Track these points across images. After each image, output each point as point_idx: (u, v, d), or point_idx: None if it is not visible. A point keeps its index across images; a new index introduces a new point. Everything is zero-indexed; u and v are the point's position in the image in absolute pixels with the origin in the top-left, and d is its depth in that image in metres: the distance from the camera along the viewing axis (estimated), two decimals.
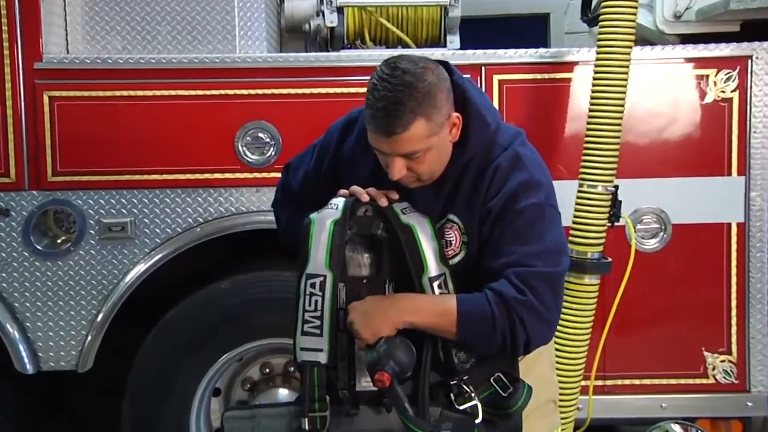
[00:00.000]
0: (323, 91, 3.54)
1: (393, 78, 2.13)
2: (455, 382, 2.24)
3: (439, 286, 2.24)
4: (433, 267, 2.24)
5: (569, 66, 3.60)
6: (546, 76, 3.59)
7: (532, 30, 5.19)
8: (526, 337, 2.15)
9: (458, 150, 2.29)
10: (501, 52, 3.59)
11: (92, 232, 3.55)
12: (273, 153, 3.54)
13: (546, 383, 2.57)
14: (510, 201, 2.22)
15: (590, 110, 3.36)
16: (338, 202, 2.28)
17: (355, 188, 2.28)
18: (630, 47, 3.32)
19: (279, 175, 2.76)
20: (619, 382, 3.68)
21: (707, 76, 3.60)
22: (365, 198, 2.25)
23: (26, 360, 3.55)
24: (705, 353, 3.67)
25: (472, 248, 2.29)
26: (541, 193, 2.25)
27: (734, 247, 3.63)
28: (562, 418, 3.33)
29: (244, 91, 3.53)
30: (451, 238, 2.30)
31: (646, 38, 3.91)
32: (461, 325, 2.15)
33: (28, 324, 3.56)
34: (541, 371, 2.54)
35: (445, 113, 2.19)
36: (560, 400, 3.32)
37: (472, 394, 2.23)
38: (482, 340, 2.16)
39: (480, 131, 2.29)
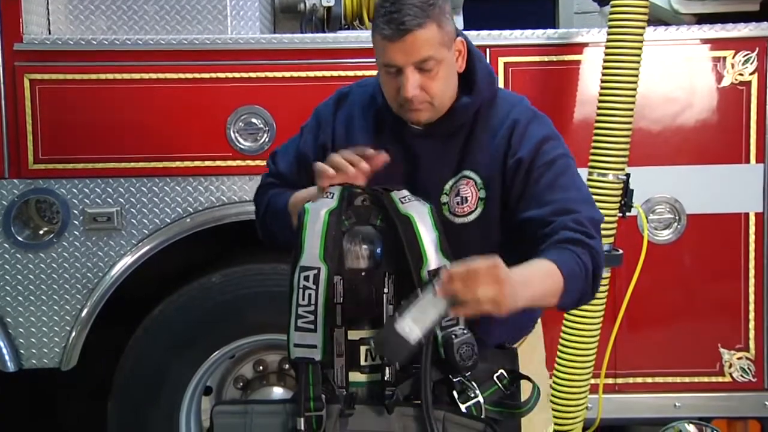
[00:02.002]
0: (319, 74, 3.48)
1: None
2: (458, 379, 2.17)
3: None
4: (433, 259, 2.14)
5: (579, 48, 3.54)
6: (554, 58, 3.53)
7: (539, 10, 5.19)
8: (599, 281, 2.18)
9: (465, 95, 2.29)
10: (507, 33, 3.53)
11: (76, 222, 3.48)
12: (267, 139, 3.48)
13: (543, 377, 2.57)
14: (540, 152, 2.23)
15: (601, 94, 3.29)
16: (334, 190, 2.18)
17: (318, 165, 2.18)
18: (643, 28, 3.25)
19: None
20: (630, 380, 3.62)
21: (724, 58, 3.52)
22: (330, 173, 2.15)
23: (7, 357, 3.48)
24: (721, 350, 3.60)
25: (491, 204, 2.27)
26: (564, 147, 2.31)
27: (752, 238, 3.56)
28: (570, 418, 3.32)
29: (236, 74, 3.47)
30: (466, 194, 2.28)
31: (659, 18, 3.83)
32: (568, 286, 2.07)
33: (8, 320, 3.49)
34: (538, 363, 2.55)
35: (452, 30, 2.22)
36: (569, 399, 3.31)
37: (476, 391, 2.17)
38: (580, 296, 2.14)
39: (485, 76, 2.32)
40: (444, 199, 2.29)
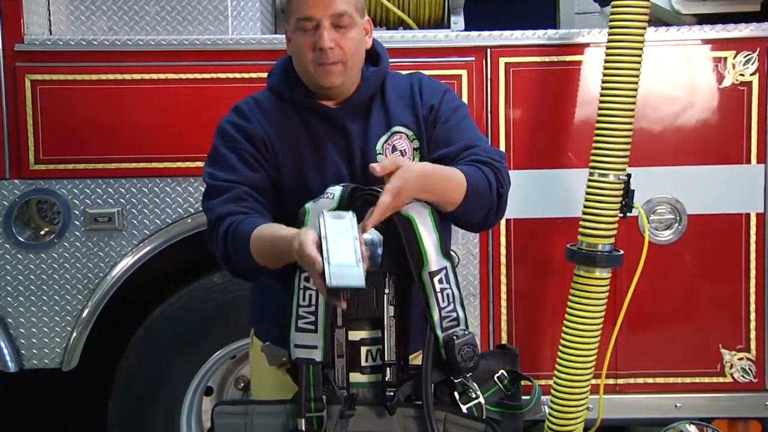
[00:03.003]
0: None
1: None
2: (459, 380, 2.20)
3: (440, 281, 2.19)
4: (433, 261, 2.18)
5: (579, 48, 3.52)
6: (555, 58, 3.51)
7: (540, 10, 5.13)
8: (504, 200, 2.31)
9: (372, 66, 2.44)
10: (507, 33, 3.51)
11: (77, 223, 3.47)
12: None
13: None
14: (446, 99, 2.42)
15: (601, 95, 3.27)
16: (334, 191, 2.18)
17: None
18: (644, 28, 3.23)
19: None
20: (631, 380, 3.61)
21: (725, 58, 3.51)
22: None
23: (8, 358, 3.47)
24: (722, 350, 3.59)
25: (423, 152, 2.39)
26: (460, 99, 2.58)
27: (753, 238, 3.55)
28: (571, 418, 3.29)
29: (238, 75, 3.45)
30: (403, 147, 2.38)
31: (660, 18, 3.82)
32: (470, 189, 2.20)
33: (9, 320, 3.49)
34: None
35: (363, 4, 2.40)
36: (569, 400, 3.28)
37: (478, 392, 2.20)
38: (482, 205, 2.26)
39: (385, 52, 2.49)
40: (380, 158, 2.33)
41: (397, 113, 2.39)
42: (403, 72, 2.53)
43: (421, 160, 2.36)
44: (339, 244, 1.92)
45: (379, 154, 2.35)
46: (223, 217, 2.25)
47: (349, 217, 1.99)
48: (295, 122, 2.38)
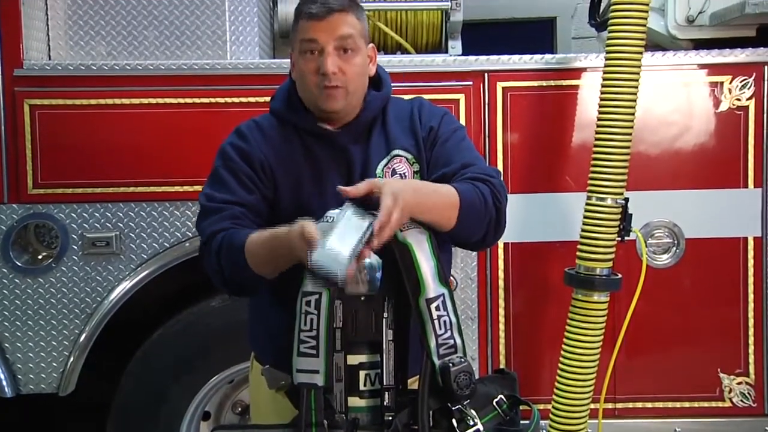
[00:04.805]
0: None
1: None
2: (457, 407, 2.18)
3: (437, 308, 2.17)
4: (430, 288, 2.17)
5: (577, 72, 3.54)
6: (552, 83, 3.53)
7: (537, 35, 5.18)
8: (504, 219, 2.32)
9: (374, 91, 2.46)
10: (505, 58, 3.53)
11: (75, 247, 3.46)
12: None
13: None
14: (445, 121, 2.45)
15: (599, 119, 3.27)
16: (333, 214, 2.17)
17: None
18: (640, 53, 3.23)
19: None
20: (630, 405, 3.60)
21: (722, 83, 3.53)
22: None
23: (5, 382, 3.45)
24: (721, 375, 3.59)
25: (424, 174, 2.40)
26: (459, 122, 2.68)
27: (751, 262, 3.55)
28: None
29: (236, 99, 3.46)
30: (403, 171, 2.40)
31: (657, 43, 3.84)
32: (464, 205, 2.22)
33: (6, 345, 3.47)
34: None
35: (368, 32, 2.42)
36: (568, 424, 3.26)
37: (476, 419, 2.18)
38: (479, 222, 2.26)
39: (387, 77, 2.52)
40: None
41: (397, 137, 2.41)
42: (404, 96, 2.55)
43: None
44: (342, 236, 1.98)
45: (379, 177, 2.35)
46: (216, 232, 2.27)
47: (369, 221, 2.01)
48: (296, 145, 2.39)
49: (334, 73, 2.29)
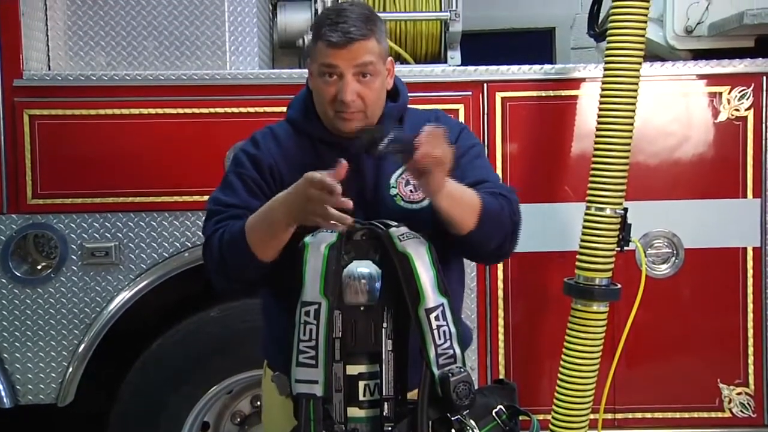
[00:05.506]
0: None
1: (348, 4, 2.36)
2: (456, 417, 2.17)
3: (437, 318, 2.17)
4: (430, 298, 2.17)
5: (575, 83, 3.54)
6: (551, 93, 3.53)
7: (536, 45, 5.19)
8: (518, 229, 2.38)
9: (391, 102, 2.45)
10: (504, 68, 3.54)
11: (74, 257, 3.46)
12: None
13: None
14: (463, 136, 2.47)
15: (598, 129, 3.28)
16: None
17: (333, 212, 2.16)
18: (639, 63, 3.25)
19: None
20: (629, 415, 3.59)
21: (720, 93, 3.53)
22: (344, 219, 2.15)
23: (3, 393, 3.45)
24: (720, 385, 3.58)
25: None
26: (476, 138, 2.64)
27: (750, 272, 3.55)
28: None
29: (235, 110, 3.46)
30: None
31: (656, 54, 3.84)
32: (484, 211, 2.25)
33: (5, 355, 3.46)
34: None
35: (386, 50, 2.39)
36: None
37: (475, 429, 2.18)
38: (497, 231, 2.31)
39: (404, 88, 2.52)
40: (393, 192, 2.36)
41: None
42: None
43: None
44: None
45: (393, 187, 2.36)
46: (218, 229, 2.31)
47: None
48: (309, 153, 2.39)
49: (353, 101, 2.29)
